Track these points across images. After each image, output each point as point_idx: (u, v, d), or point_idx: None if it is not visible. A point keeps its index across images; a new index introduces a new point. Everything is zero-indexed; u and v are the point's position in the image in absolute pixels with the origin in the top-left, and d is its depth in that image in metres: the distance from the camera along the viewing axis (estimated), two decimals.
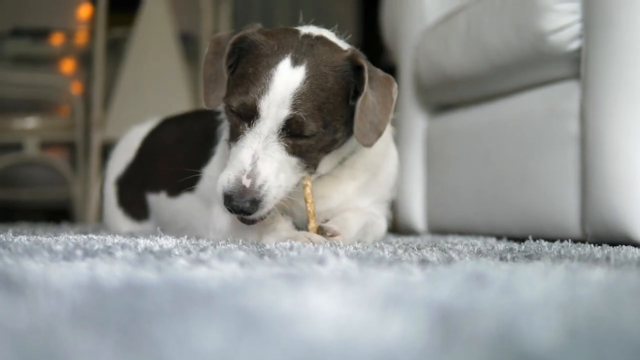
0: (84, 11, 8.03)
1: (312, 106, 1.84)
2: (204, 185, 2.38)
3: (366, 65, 1.91)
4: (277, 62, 1.85)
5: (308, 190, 2.01)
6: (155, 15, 5.18)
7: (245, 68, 1.89)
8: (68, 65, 6.46)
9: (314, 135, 1.87)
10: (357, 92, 1.92)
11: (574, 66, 2.44)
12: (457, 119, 3.18)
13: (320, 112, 1.85)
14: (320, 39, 1.97)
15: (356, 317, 0.73)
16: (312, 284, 0.93)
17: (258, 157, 1.82)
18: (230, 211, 1.84)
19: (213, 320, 0.69)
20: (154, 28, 5.18)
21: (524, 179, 2.66)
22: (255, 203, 1.80)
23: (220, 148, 2.30)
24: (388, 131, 2.26)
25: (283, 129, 1.83)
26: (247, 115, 1.84)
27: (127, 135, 3.06)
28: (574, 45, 2.40)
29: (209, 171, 2.35)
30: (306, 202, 2.01)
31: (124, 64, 5.16)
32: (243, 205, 1.79)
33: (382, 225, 2.27)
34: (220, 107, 2.07)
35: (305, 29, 2.01)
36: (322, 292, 0.87)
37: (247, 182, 1.80)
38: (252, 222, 1.89)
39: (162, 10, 5.18)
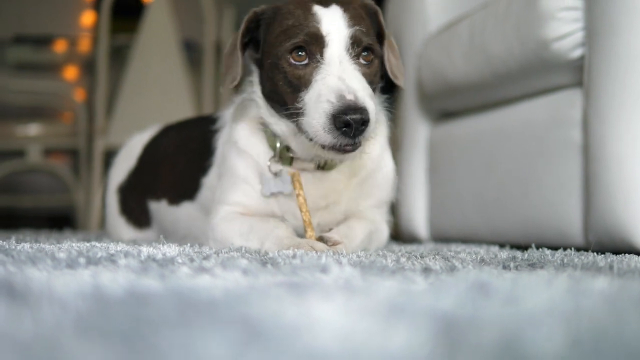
0: (87, 18, 8.06)
1: (363, 26, 1.94)
2: (203, 195, 2.39)
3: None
4: (311, 7, 1.95)
5: (301, 199, 2.02)
6: (158, 22, 5.19)
7: (282, 25, 1.95)
8: (71, 72, 6.48)
9: (375, 59, 1.96)
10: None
11: (577, 74, 2.44)
12: (460, 127, 3.18)
13: (370, 37, 1.96)
14: None
15: (360, 326, 0.73)
16: (316, 293, 0.93)
17: (344, 79, 1.81)
18: (345, 133, 1.75)
19: (217, 330, 0.69)
20: (157, 35, 5.19)
21: (526, 186, 2.65)
22: (364, 112, 1.74)
23: (217, 159, 2.31)
24: (383, 134, 2.27)
25: (351, 46, 1.89)
26: (316, 44, 1.88)
27: (129, 142, 3.06)
28: (577, 53, 2.40)
29: (207, 181, 2.36)
30: (301, 211, 2.01)
31: (127, 71, 5.17)
32: (364, 116, 1.73)
33: (384, 232, 2.27)
34: (254, 91, 2.11)
35: None
36: (326, 301, 0.87)
37: (350, 97, 1.75)
38: (354, 148, 1.83)
39: (165, 18, 5.19)
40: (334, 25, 1.88)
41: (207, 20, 5.34)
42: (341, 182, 2.15)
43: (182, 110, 4.93)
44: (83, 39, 6.84)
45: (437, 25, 3.36)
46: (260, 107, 2.10)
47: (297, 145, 2.04)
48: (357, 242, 2.02)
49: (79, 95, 6.16)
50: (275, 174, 2.08)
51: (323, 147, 1.83)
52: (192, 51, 5.79)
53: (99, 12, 5.59)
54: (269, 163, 2.10)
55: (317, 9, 1.93)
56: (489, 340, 0.69)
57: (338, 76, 1.81)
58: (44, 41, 6.35)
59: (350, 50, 1.88)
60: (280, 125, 2.05)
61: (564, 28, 2.40)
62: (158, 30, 5.19)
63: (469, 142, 3.06)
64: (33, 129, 5.66)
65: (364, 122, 1.75)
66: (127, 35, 5.71)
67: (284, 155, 2.09)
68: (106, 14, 5.25)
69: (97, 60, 5.31)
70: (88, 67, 6.18)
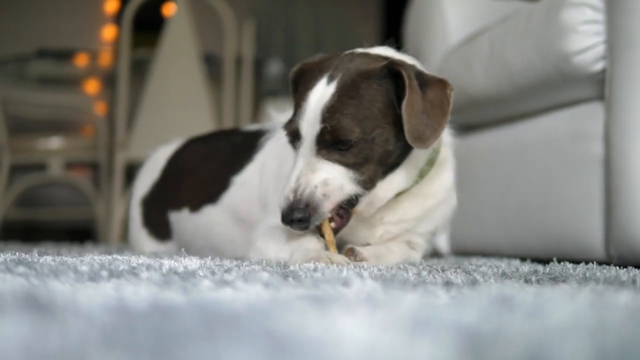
0: (108, 32, 8.13)
1: (341, 116, 1.87)
2: (230, 193, 2.41)
3: (405, 71, 1.90)
4: (315, 84, 1.94)
5: (326, 222, 2.03)
6: (178, 36, 5.21)
7: (297, 96, 2.01)
8: (92, 86, 6.53)
9: (354, 144, 1.89)
10: (400, 99, 1.91)
11: (598, 87, 2.44)
12: (480, 140, 3.17)
13: (353, 120, 1.88)
14: (362, 54, 2.03)
15: (384, 340, 0.73)
16: (338, 307, 0.93)
17: (302, 175, 1.91)
18: (291, 226, 1.92)
19: (242, 343, 0.69)
20: (177, 49, 5.21)
21: (547, 200, 2.64)
22: (304, 210, 1.88)
23: (261, 156, 2.34)
24: (451, 168, 2.33)
25: (319, 143, 1.90)
26: (297, 139, 1.94)
27: (154, 155, 3.08)
28: (598, 66, 2.40)
29: (240, 179, 2.39)
30: (324, 232, 2.02)
31: (148, 85, 5.19)
32: (295, 216, 1.88)
33: (416, 258, 2.24)
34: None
35: (362, 50, 2.08)
36: (349, 314, 0.87)
37: (291, 196, 1.88)
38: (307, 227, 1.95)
39: (185, 31, 5.22)
40: (310, 121, 1.92)
41: (228, 33, 5.36)
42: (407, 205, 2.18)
43: (202, 123, 4.95)
44: (104, 53, 6.89)
45: (457, 38, 3.36)
46: None
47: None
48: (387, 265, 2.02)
49: (100, 108, 6.20)
50: None
51: None
52: (212, 64, 5.81)
53: (119, 26, 5.62)
54: None
55: (318, 87, 1.94)
56: (514, 355, 0.69)
57: (299, 173, 1.92)
58: (66, 55, 6.40)
59: (320, 144, 1.92)
60: None
61: (585, 41, 2.39)
62: (178, 44, 5.21)
63: (490, 156, 3.05)
64: (54, 143, 5.69)
65: (302, 222, 1.91)
66: (148, 49, 5.74)
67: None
68: (127, 28, 5.28)
69: (118, 74, 5.34)
70: (109, 80, 6.21)
